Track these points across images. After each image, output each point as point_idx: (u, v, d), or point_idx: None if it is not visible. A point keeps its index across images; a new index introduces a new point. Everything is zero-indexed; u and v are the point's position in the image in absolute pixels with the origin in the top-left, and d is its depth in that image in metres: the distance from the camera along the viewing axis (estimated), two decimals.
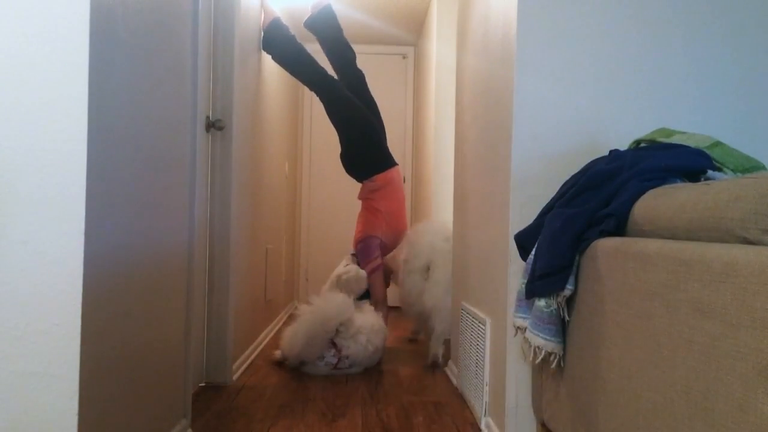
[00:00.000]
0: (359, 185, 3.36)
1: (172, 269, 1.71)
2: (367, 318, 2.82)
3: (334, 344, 2.74)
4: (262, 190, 3.37)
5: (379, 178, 3.19)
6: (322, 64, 3.31)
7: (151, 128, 1.52)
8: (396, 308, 4.89)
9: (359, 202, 3.42)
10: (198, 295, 2.42)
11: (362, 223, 3.25)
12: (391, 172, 3.22)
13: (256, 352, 3.15)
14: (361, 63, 5.06)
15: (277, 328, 3.95)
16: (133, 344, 1.43)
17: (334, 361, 2.73)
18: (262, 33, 3.23)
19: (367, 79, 5.08)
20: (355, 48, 5.14)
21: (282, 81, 4.05)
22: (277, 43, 3.21)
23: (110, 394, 1.30)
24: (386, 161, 3.22)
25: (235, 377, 2.65)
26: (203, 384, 2.53)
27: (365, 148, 3.22)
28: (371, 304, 3.13)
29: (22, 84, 1.15)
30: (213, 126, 2.51)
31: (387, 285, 3.41)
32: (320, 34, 3.46)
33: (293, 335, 2.75)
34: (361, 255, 3.20)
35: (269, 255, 3.64)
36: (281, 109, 4.04)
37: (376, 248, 3.19)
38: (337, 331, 2.72)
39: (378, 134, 3.24)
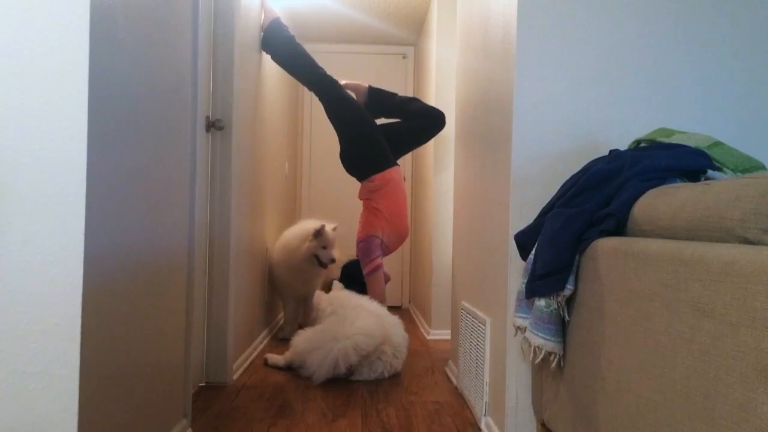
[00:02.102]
0: (359, 185, 3.36)
1: (172, 269, 1.71)
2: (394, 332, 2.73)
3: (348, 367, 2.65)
4: (262, 190, 3.37)
5: (378, 178, 3.18)
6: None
7: (151, 128, 1.52)
8: (396, 308, 4.90)
9: (360, 202, 3.42)
10: (198, 295, 2.42)
11: (363, 223, 3.25)
12: (390, 172, 3.21)
13: (256, 352, 3.15)
14: (361, 63, 5.08)
15: (277, 328, 3.95)
16: (133, 344, 1.43)
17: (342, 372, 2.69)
18: (262, 33, 3.23)
19: (367, 79, 5.09)
20: (355, 48, 5.19)
21: (282, 81, 4.05)
22: (277, 43, 3.21)
23: (110, 394, 1.30)
24: (385, 161, 3.21)
25: (235, 377, 2.65)
26: (203, 384, 2.53)
27: (363, 148, 3.22)
28: None
29: (22, 84, 1.15)
30: (213, 126, 2.51)
31: (388, 279, 3.41)
32: (388, 116, 3.43)
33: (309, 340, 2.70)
34: (361, 255, 3.20)
35: (269, 255, 3.64)
36: (281, 109, 4.04)
37: (377, 248, 3.19)
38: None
39: (376, 135, 3.23)
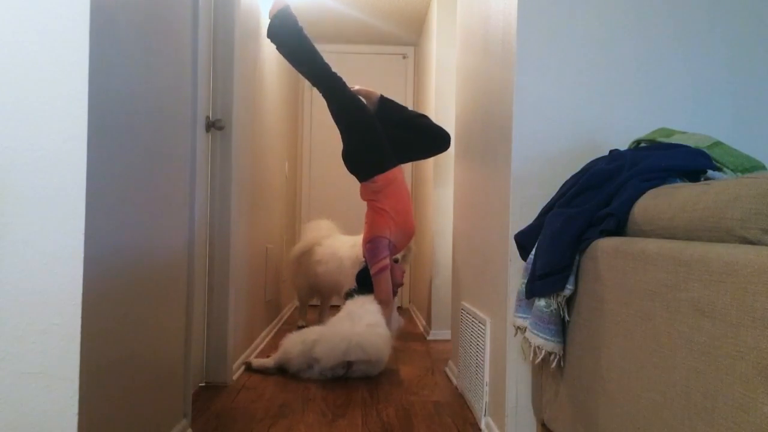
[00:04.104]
0: (359, 185, 3.35)
1: (172, 269, 1.71)
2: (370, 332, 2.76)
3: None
4: (262, 190, 3.37)
5: (380, 179, 3.17)
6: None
7: (151, 128, 1.52)
8: (397, 308, 4.89)
9: (359, 202, 3.42)
10: (198, 295, 2.42)
11: (369, 224, 3.23)
12: (393, 172, 3.20)
13: (256, 353, 3.15)
14: (361, 63, 5.08)
15: (277, 328, 3.95)
16: (133, 344, 1.43)
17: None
18: (269, 20, 3.13)
19: (368, 79, 5.09)
20: (355, 48, 5.18)
21: (282, 81, 4.06)
22: (284, 33, 3.10)
23: (110, 394, 1.30)
24: (387, 162, 3.20)
25: (235, 377, 2.65)
26: (203, 384, 2.53)
27: (366, 148, 3.20)
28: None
29: (22, 83, 1.15)
30: (213, 126, 2.51)
31: (400, 284, 3.39)
32: (395, 127, 3.42)
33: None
34: (369, 255, 3.19)
35: (269, 255, 3.64)
36: (281, 109, 4.05)
37: (385, 248, 3.17)
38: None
39: (379, 135, 3.22)
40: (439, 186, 3.76)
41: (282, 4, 3.12)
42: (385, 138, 3.24)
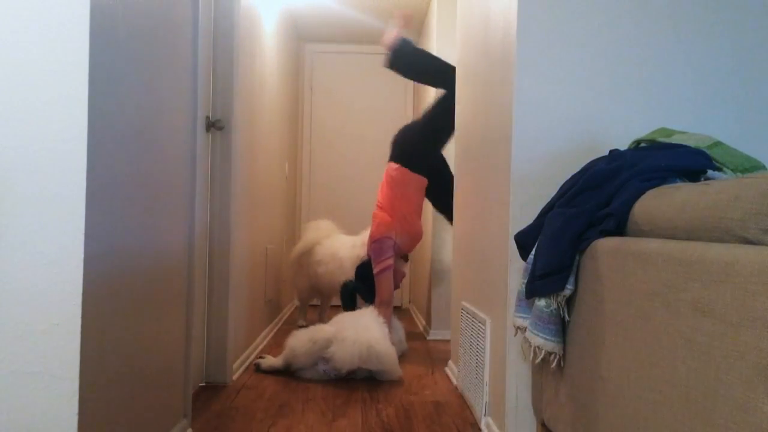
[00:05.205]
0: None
1: (172, 269, 1.71)
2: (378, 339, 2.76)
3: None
4: (262, 190, 3.37)
5: (400, 171, 3.25)
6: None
7: (151, 128, 1.52)
8: (396, 308, 4.89)
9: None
10: (198, 295, 2.42)
11: (378, 223, 3.27)
12: (415, 177, 3.30)
13: (256, 352, 3.15)
14: (361, 63, 5.08)
15: (277, 328, 3.95)
16: (133, 344, 1.43)
17: (331, 372, 2.71)
18: (389, 52, 3.37)
19: (368, 80, 5.09)
20: (355, 48, 5.18)
21: (282, 81, 4.06)
22: (405, 61, 3.37)
23: (110, 394, 1.30)
24: (420, 167, 3.30)
25: (234, 377, 2.65)
26: (203, 384, 2.53)
27: (419, 141, 3.30)
28: (376, 305, 3.14)
29: (22, 84, 1.15)
30: (213, 126, 2.51)
31: (397, 287, 3.41)
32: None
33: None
34: (373, 254, 3.23)
35: (269, 255, 3.64)
36: (281, 109, 4.04)
37: (390, 249, 3.21)
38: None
39: (437, 147, 3.33)
40: None
41: (397, 39, 3.34)
42: (437, 155, 3.36)
